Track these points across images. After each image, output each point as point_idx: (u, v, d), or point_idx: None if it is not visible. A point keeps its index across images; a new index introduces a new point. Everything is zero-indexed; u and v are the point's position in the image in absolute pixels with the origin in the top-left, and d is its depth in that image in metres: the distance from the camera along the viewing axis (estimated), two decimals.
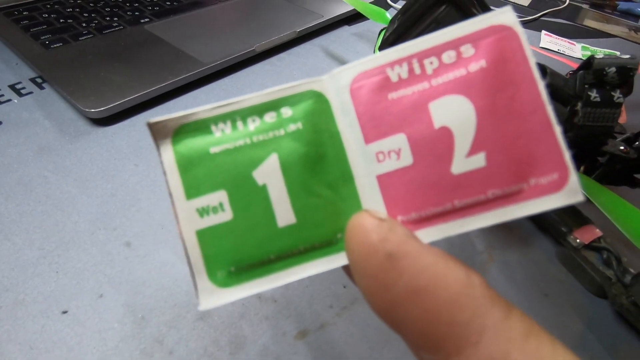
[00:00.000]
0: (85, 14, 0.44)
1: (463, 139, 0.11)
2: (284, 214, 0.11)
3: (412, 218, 0.11)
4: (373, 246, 0.10)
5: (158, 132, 0.11)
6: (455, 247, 0.27)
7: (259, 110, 0.12)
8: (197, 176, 0.11)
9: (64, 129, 0.32)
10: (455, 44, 0.11)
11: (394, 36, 0.27)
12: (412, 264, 0.10)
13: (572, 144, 0.25)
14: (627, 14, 0.72)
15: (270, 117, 0.12)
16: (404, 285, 0.10)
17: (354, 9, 0.50)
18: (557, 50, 0.54)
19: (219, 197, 0.11)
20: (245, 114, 0.11)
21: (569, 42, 0.56)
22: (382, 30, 0.38)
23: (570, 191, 0.10)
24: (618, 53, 0.46)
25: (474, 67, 0.11)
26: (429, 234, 0.11)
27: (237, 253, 0.11)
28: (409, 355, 0.10)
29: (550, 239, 0.28)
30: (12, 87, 0.35)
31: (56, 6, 0.45)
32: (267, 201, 0.11)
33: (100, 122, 0.33)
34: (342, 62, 0.45)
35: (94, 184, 0.28)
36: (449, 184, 0.11)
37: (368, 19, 0.48)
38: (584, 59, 0.33)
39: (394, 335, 0.10)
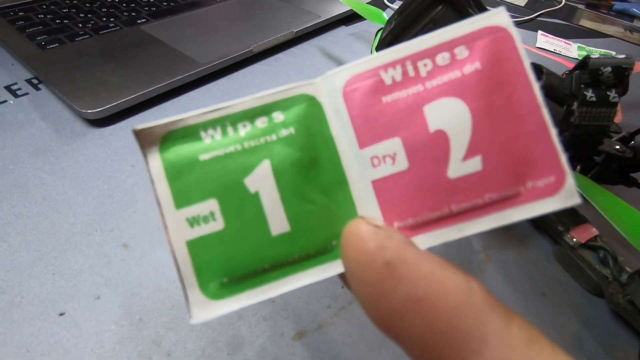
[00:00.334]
0: (82, 15, 0.44)
1: (459, 142, 0.11)
2: (278, 222, 0.11)
3: (408, 224, 0.11)
4: (370, 254, 0.10)
5: (145, 139, 0.11)
6: (452, 247, 0.27)
7: (250, 115, 0.11)
8: (186, 184, 0.11)
9: (60, 130, 0.32)
10: (449, 46, 0.11)
11: (391, 37, 0.27)
12: (410, 272, 0.09)
13: (568, 144, 0.26)
14: (623, 14, 0.72)
15: (261, 122, 0.11)
16: (403, 293, 0.09)
17: (351, 10, 0.50)
18: (553, 50, 0.54)
19: (210, 206, 0.11)
20: (235, 119, 0.11)
21: (565, 42, 0.56)
22: (379, 30, 0.38)
23: (567, 194, 0.10)
24: (614, 53, 0.47)
25: (469, 68, 0.11)
26: (426, 240, 0.11)
27: (230, 263, 0.11)
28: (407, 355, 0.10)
29: (547, 238, 0.28)
30: (7, 88, 0.35)
31: (52, 7, 0.45)
32: (259, 209, 0.11)
33: (96, 123, 0.33)
34: (339, 62, 0.45)
35: (90, 185, 0.28)
36: (445, 188, 0.11)
37: (365, 19, 0.48)
38: (580, 58, 0.33)
39: None
